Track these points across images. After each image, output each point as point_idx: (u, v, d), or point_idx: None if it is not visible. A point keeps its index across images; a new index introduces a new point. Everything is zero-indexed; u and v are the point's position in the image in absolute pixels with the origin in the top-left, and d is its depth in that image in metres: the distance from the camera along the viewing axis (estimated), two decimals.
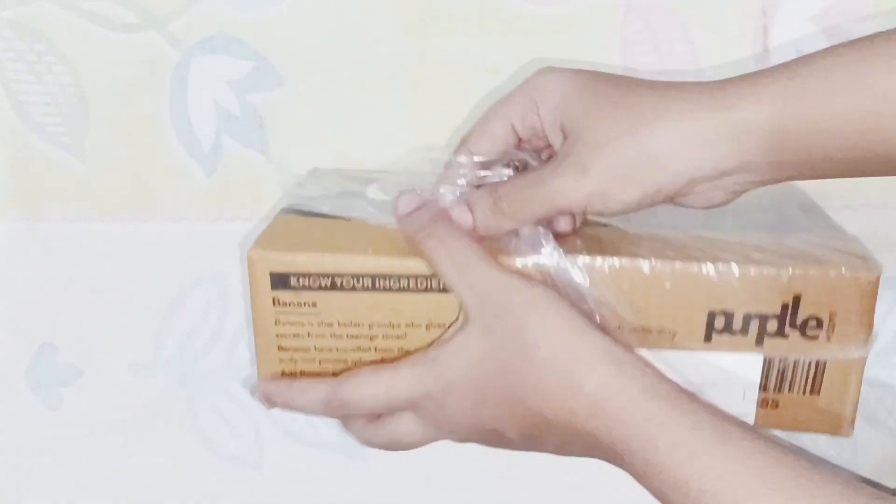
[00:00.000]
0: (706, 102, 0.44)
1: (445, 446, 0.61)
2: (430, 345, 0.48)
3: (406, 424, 0.48)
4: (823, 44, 0.56)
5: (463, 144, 0.50)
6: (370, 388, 0.47)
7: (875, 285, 0.46)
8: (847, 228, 0.57)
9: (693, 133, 0.43)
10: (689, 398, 0.43)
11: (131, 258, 0.58)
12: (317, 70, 0.57)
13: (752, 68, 0.56)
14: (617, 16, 0.57)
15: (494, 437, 0.47)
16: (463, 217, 0.48)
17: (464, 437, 0.48)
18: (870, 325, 0.47)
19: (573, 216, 0.49)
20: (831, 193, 0.58)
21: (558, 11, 0.57)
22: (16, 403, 0.60)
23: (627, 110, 0.45)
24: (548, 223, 0.48)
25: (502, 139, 0.50)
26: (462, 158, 0.50)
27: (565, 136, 0.47)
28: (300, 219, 0.51)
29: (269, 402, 0.49)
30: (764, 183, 0.45)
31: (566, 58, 0.57)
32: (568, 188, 0.45)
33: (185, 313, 0.59)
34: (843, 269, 0.47)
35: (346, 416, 0.49)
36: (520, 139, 0.50)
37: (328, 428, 0.61)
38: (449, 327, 0.48)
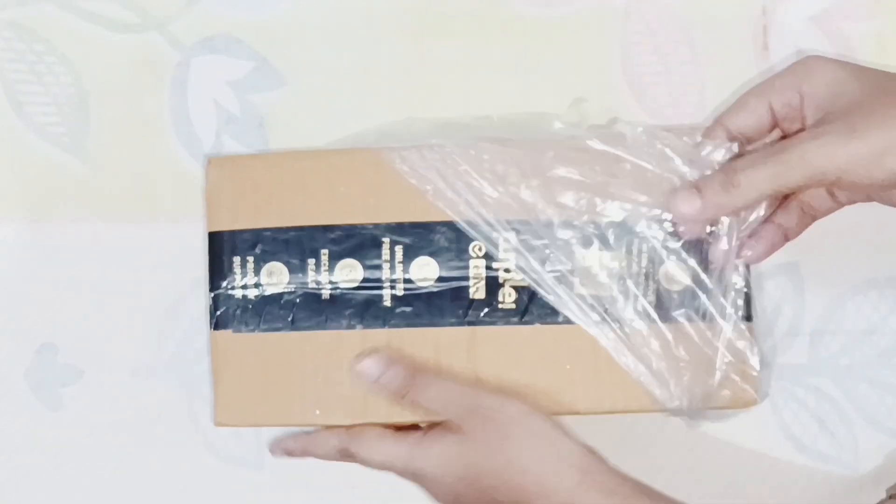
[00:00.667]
0: None
1: None
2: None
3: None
4: (824, 43, 0.57)
5: (718, 122, 0.51)
6: (373, 453, 0.52)
7: None
8: (847, 228, 0.57)
9: None
10: (649, 496, 0.48)
11: (132, 258, 0.58)
12: (317, 70, 0.57)
13: (752, 68, 0.57)
14: (617, 16, 0.57)
15: None
16: (689, 200, 0.49)
17: None
18: None
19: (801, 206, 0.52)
20: None
21: (558, 12, 0.57)
22: (16, 403, 0.60)
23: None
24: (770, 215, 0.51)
25: (758, 115, 0.50)
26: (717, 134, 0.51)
27: (827, 115, 0.47)
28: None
29: (289, 454, 0.55)
30: None
31: (566, 58, 0.57)
32: (830, 149, 0.45)
33: (186, 314, 0.59)
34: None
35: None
36: (775, 120, 0.50)
37: None
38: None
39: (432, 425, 0.52)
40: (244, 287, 0.54)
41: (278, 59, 0.57)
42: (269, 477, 0.61)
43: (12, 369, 0.59)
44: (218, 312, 0.54)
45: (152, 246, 0.58)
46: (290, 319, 0.53)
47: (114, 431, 0.60)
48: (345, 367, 0.53)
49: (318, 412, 0.53)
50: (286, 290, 0.53)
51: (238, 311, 0.54)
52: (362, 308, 0.53)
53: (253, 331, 0.54)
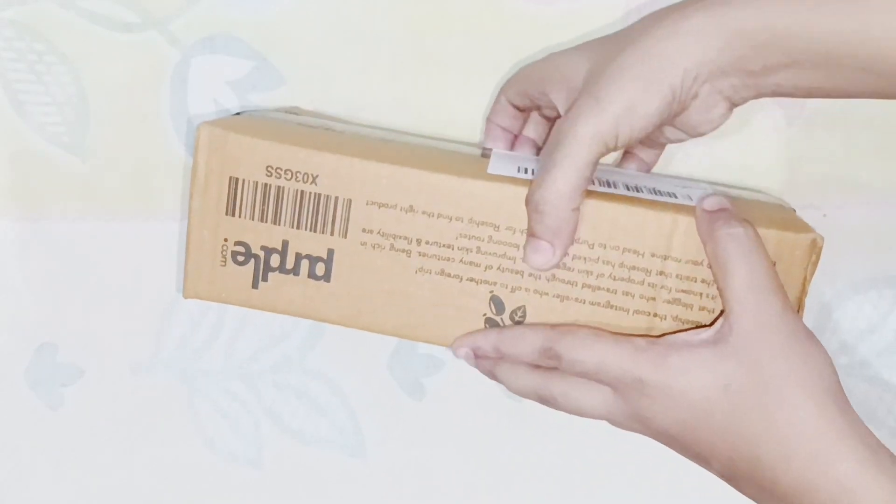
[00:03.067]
0: (699, 5, 0.43)
1: (445, 445, 0.61)
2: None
3: (597, 397, 0.46)
4: None
5: (489, 122, 0.53)
6: (586, 353, 0.45)
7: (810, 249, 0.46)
8: (847, 228, 0.57)
9: (688, 30, 0.43)
10: None
11: (131, 257, 0.58)
12: (317, 70, 0.57)
13: None
14: (617, 16, 0.57)
15: (692, 454, 0.45)
16: (538, 251, 0.46)
17: (655, 436, 0.46)
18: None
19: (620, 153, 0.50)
20: (831, 191, 0.58)
21: (558, 11, 0.57)
22: (16, 403, 0.60)
23: (625, 34, 0.46)
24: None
25: (513, 114, 0.52)
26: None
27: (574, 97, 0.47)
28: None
29: (478, 352, 0.48)
30: (759, 94, 0.45)
31: None
32: (590, 123, 0.44)
33: (185, 312, 0.59)
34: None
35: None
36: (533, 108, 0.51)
37: (328, 427, 0.61)
38: (697, 327, 0.46)
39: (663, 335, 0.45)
40: None
41: (278, 58, 0.57)
42: (268, 475, 0.61)
43: (12, 369, 0.59)
44: None
45: (152, 244, 0.58)
46: None
47: (114, 430, 0.60)
48: None
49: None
50: None
51: None
52: None
53: None
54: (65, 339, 0.59)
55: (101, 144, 0.57)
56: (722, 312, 0.44)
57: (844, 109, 0.57)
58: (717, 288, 0.44)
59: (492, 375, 0.49)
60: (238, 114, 0.51)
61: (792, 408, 0.42)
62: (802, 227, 0.47)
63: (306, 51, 0.57)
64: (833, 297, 0.59)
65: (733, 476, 0.44)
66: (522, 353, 0.47)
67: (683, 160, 0.58)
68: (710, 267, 0.45)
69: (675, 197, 0.47)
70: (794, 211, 0.50)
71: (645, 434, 0.46)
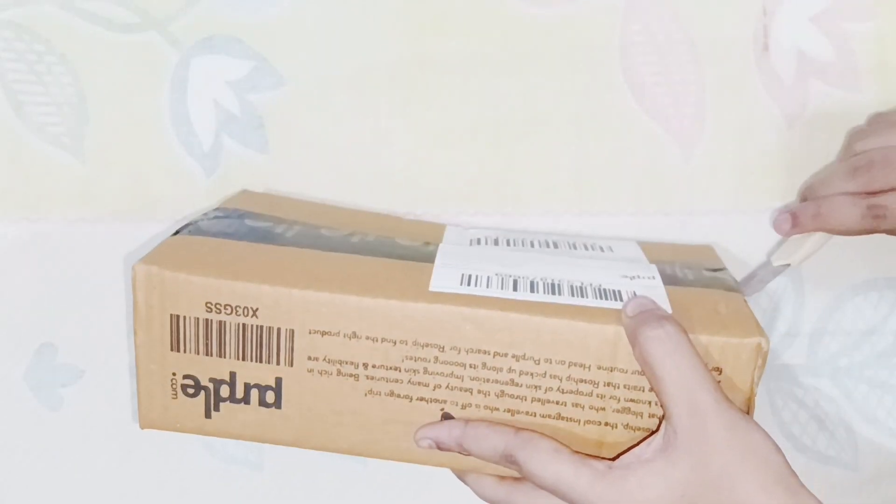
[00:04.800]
0: None
1: None
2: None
3: None
4: (824, 44, 0.57)
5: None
6: (543, 469, 0.45)
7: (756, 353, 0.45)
8: None
9: None
10: None
11: (131, 258, 0.58)
12: (317, 70, 0.57)
13: (752, 68, 0.57)
14: (617, 16, 0.57)
15: None
16: (781, 223, 0.53)
17: None
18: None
19: None
20: None
21: (558, 12, 0.57)
22: (16, 403, 0.60)
23: None
24: None
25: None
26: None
27: None
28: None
29: (440, 445, 0.48)
30: None
31: (566, 57, 0.57)
32: None
33: None
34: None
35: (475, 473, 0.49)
36: None
37: None
38: (644, 437, 0.45)
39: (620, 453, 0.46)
40: None
41: (278, 59, 0.57)
42: (268, 477, 0.61)
43: (12, 369, 0.59)
44: None
45: (152, 245, 0.58)
46: None
47: (114, 431, 0.60)
48: None
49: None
50: None
51: None
52: None
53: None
54: (65, 339, 0.59)
55: (100, 145, 0.57)
56: (663, 417, 0.44)
57: (845, 110, 0.57)
58: (654, 391, 0.44)
59: (461, 478, 0.50)
60: (177, 232, 0.50)
61: (744, 501, 0.42)
62: (748, 327, 0.46)
63: (306, 51, 0.57)
64: (833, 299, 0.59)
65: None
66: (483, 453, 0.46)
67: (684, 161, 0.58)
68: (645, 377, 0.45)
69: (620, 299, 0.47)
70: (744, 301, 0.49)
71: None
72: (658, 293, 0.47)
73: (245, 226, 0.52)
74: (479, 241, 0.54)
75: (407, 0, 0.56)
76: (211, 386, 0.48)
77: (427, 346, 0.46)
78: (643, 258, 0.53)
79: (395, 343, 0.46)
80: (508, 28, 0.57)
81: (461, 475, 0.50)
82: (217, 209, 0.54)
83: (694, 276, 0.51)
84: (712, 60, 0.57)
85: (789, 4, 0.56)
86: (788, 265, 0.55)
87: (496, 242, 0.54)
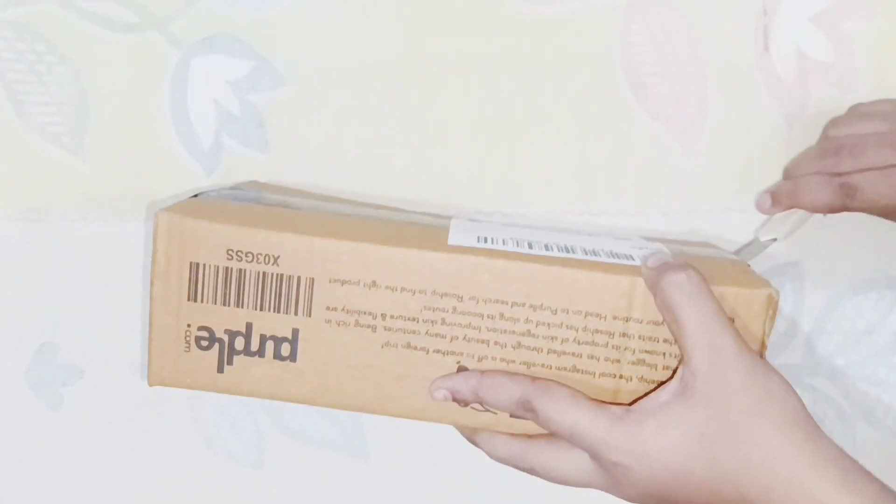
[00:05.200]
0: None
1: (446, 444, 0.61)
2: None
3: (577, 465, 0.46)
4: (824, 44, 0.57)
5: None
6: (561, 415, 0.45)
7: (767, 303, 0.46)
8: (847, 229, 0.58)
9: None
10: None
11: (131, 258, 0.58)
12: (317, 70, 0.57)
13: (752, 68, 0.57)
14: (617, 16, 0.57)
15: None
16: (762, 201, 0.56)
17: (637, 500, 0.46)
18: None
19: None
20: None
21: (558, 11, 0.57)
22: (16, 403, 0.60)
23: None
24: None
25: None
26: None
27: None
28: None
29: (456, 395, 0.47)
30: None
31: (566, 57, 0.57)
32: None
33: None
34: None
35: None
36: None
37: (329, 427, 0.61)
38: (659, 385, 0.46)
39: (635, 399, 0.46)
40: None
41: (278, 58, 0.57)
42: (268, 475, 0.61)
43: (12, 369, 0.59)
44: None
45: (152, 245, 0.58)
46: None
47: (114, 430, 0.60)
48: None
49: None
50: None
51: None
52: None
53: None
54: (65, 339, 0.59)
55: (100, 145, 0.57)
56: (681, 361, 0.44)
57: (845, 110, 0.57)
58: (673, 336, 0.45)
59: (471, 440, 0.50)
60: (196, 196, 0.51)
61: (763, 443, 0.42)
62: (758, 282, 0.47)
63: (306, 51, 0.57)
64: (833, 298, 0.59)
65: None
66: (500, 402, 0.46)
67: (685, 160, 0.58)
68: (665, 323, 0.46)
69: (633, 259, 0.47)
70: (748, 265, 0.50)
71: (626, 498, 0.46)
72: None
73: (260, 198, 0.52)
74: (486, 241, 0.54)
75: (407, 0, 0.56)
76: (226, 338, 0.48)
77: (445, 295, 0.46)
78: (648, 242, 0.54)
79: (413, 293, 0.46)
80: (509, 27, 0.57)
81: (472, 436, 0.49)
82: (231, 186, 0.54)
83: (699, 251, 0.53)
84: (713, 60, 0.57)
85: (789, 4, 0.57)
86: (775, 240, 0.56)
87: (503, 242, 0.54)
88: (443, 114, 0.57)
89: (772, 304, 0.45)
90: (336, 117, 0.57)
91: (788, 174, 0.57)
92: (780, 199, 0.56)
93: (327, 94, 0.57)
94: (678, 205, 0.58)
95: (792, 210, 0.55)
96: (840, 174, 0.53)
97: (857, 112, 0.56)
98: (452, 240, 0.48)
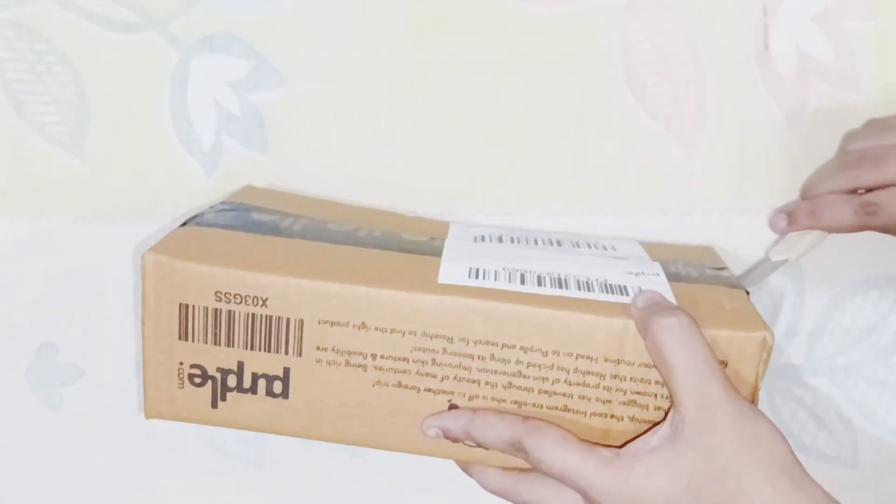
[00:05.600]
0: None
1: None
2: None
3: (565, 499, 0.46)
4: (824, 43, 0.57)
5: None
6: (551, 457, 0.45)
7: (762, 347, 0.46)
8: None
9: None
10: None
11: (131, 257, 0.58)
12: (317, 70, 0.57)
13: (752, 68, 0.57)
14: (617, 16, 0.57)
15: None
16: (777, 221, 0.55)
17: None
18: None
19: None
20: None
21: (558, 11, 0.57)
22: (16, 403, 0.60)
23: None
24: None
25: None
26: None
27: None
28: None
29: (447, 433, 0.47)
30: None
31: (566, 57, 0.57)
32: None
33: None
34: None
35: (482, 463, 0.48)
36: None
37: None
38: (651, 426, 0.46)
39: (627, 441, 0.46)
40: None
41: (278, 58, 0.57)
42: (269, 474, 0.61)
43: (12, 369, 0.59)
44: None
45: (152, 244, 0.58)
46: None
47: (114, 430, 0.60)
48: None
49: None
50: None
51: None
52: None
53: None
54: (65, 339, 0.59)
55: (100, 145, 0.57)
56: (671, 405, 0.44)
57: (845, 110, 0.57)
58: (662, 380, 0.45)
59: (465, 470, 0.50)
60: (185, 223, 0.50)
61: (750, 492, 0.42)
62: (753, 322, 0.46)
63: (306, 51, 0.57)
64: (833, 298, 0.59)
65: None
66: (490, 441, 0.46)
67: (685, 160, 0.58)
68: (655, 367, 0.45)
69: (627, 294, 0.47)
70: (747, 295, 0.49)
71: None
72: (663, 289, 0.48)
73: (251, 219, 0.52)
74: (483, 238, 0.54)
75: (407, 0, 0.56)
76: (218, 375, 0.48)
77: (435, 337, 0.46)
78: (646, 256, 0.53)
79: (403, 334, 0.46)
80: (509, 28, 0.57)
81: (466, 468, 0.50)
82: (223, 203, 0.54)
83: (697, 273, 0.51)
84: (713, 60, 0.57)
85: (789, 4, 0.57)
86: (786, 261, 0.55)
87: (500, 240, 0.54)
88: (443, 113, 0.57)
89: (765, 349, 0.45)
90: (336, 117, 0.57)
91: (807, 193, 0.56)
92: (797, 218, 0.55)
93: (327, 94, 0.57)
94: (678, 204, 0.58)
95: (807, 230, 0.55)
96: (861, 193, 0.53)
97: (878, 124, 0.55)
98: (443, 276, 0.48)
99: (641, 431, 0.46)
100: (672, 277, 0.50)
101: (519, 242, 0.54)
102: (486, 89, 0.57)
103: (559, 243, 0.54)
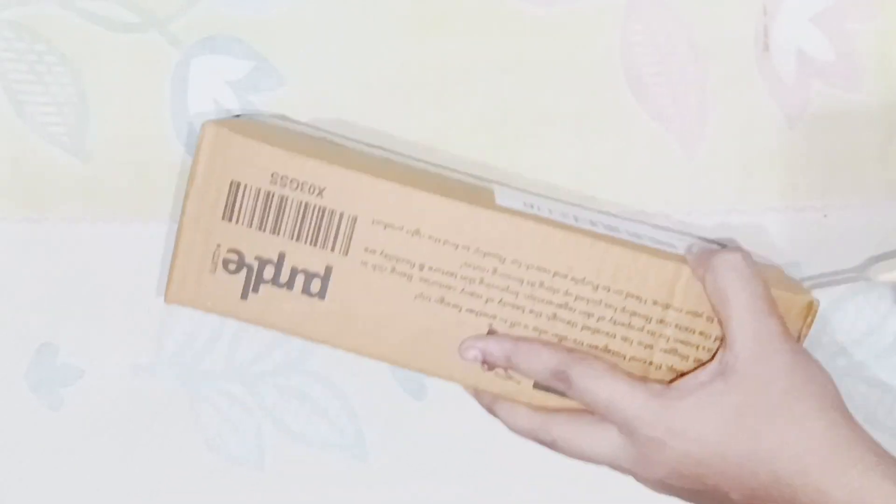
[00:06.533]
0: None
1: (447, 445, 0.61)
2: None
3: (601, 439, 0.46)
4: (824, 44, 0.57)
5: None
6: (599, 386, 0.44)
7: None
8: (847, 228, 0.57)
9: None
10: None
11: (132, 258, 0.58)
12: (317, 70, 0.57)
13: (752, 68, 0.57)
14: (617, 16, 0.57)
15: (709, 489, 0.45)
16: None
17: (666, 482, 0.46)
18: None
19: None
20: (832, 192, 0.58)
21: (558, 11, 0.57)
22: (16, 403, 0.60)
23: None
24: None
25: None
26: None
27: None
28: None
29: (487, 357, 0.46)
30: None
31: (566, 57, 0.57)
32: None
33: (186, 313, 0.59)
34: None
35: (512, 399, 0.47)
36: None
37: (329, 428, 0.61)
38: (701, 365, 0.45)
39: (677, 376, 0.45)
40: None
41: (278, 58, 0.57)
42: (269, 477, 0.61)
43: (12, 369, 0.59)
44: None
45: (153, 245, 0.58)
46: None
47: (114, 431, 0.60)
48: None
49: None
50: None
51: None
52: None
53: None
54: (65, 339, 0.59)
55: (101, 145, 0.57)
56: (721, 345, 0.44)
57: (845, 110, 0.57)
58: (717, 314, 0.45)
59: (490, 410, 0.49)
60: (238, 116, 0.49)
61: (803, 423, 0.42)
62: (798, 288, 0.47)
63: (306, 51, 0.57)
64: (833, 299, 0.59)
65: (752, 501, 0.44)
66: (533, 369, 0.45)
67: (686, 161, 0.58)
68: (710, 304, 0.45)
69: (675, 248, 0.47)
70: (783, 270, 0.50)
71: (647, 478, 0.46)
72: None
73: (303, 128, 0.50)
74: (531, 206, 0.53)
75: (408, 0, 0.56)
76: (255, 264, 0.46)
77: (488, 255, 0.45)
78: (686, 235, 0.53)
79: (456, 247, 0.45)
80: (509, 27, 0.57)
81: (491, 406, 0.48)
82: (274, 115, 0.52)
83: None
84: (713, 60, 0.57)
85: (790, 4, 0.57)
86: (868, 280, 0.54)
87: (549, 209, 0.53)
88: (443, 114, 0.57)
89: (811, 312, 0.46)
90: (336, 117, 0.57)
91: None
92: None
93: (327, 94, 0.57)
94: (679, 205, 0.58)
95: None
96: None
97: None
98: (500, 200, 0.47)
99: (688, 371, 0.46)
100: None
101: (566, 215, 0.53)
102: (487, 89, 0.57)
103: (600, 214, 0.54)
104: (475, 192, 0.48)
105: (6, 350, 0.59)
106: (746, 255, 0.44)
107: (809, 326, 0.46)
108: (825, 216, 0.56)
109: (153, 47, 0.56)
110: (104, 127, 0.57)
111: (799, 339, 0.46)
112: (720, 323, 0.44)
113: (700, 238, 0.55)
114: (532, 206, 0.47)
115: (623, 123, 0.57)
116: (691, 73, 0.57)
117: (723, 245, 0.55)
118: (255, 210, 0.45)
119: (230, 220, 0.45)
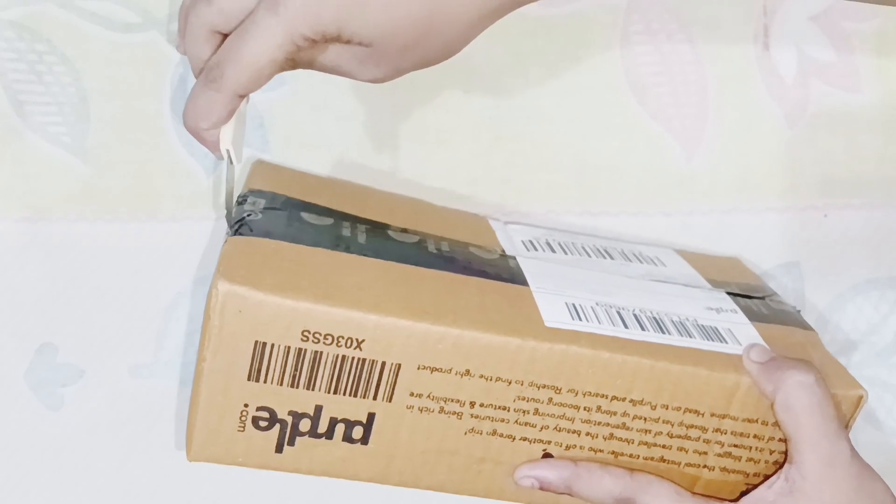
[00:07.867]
0: None
1: None
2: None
3: None
4: (824, 44, 0.57)
5: None
6: None
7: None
8: (848, 229, 0.57)
9: None
10: None
11: (132, 258, 0.58)
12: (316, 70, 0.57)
13: (753, 68, 0.57)
14: (617, 16, 0.57)
15: None
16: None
17: None
18: None
19: None
20: (832, 192, 0.58)
21: (558, 11, 0.57)
22: (16, 403, 0.59)
23: None
24: None
25: None
26: None
27: None
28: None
29: (545, 485, 0.45)
30: None
31: (567, 57, 0.57)
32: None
33: (186, 313, 0.59)
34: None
35: None
36: None
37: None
38: (764, 479, 0.45)
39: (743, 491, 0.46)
40: None
41: None
42: (269, 477, 0.61)
43: (12, 369, 0.59)
44: None
45: (153, 245, 0.58)
46: None
47: (114, 431, 0.60)
48: None
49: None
50: None
51: None
52: None
53: None
54: (65, 339, 0.59)
55: (101, 145, 0.57)
56: (785, 458, 0.45)
57: (845, 110, 0.57)
58: (785, 433, 0.44)
59: None
60: (236, 231, 0.44)
61: None
62: (844, 376, 0.46)
63: None
64: (834, 299, 0.59)
65: None
66: (594, 496, 0.45)
67: (686, 160, 0.58)
68: (776, 418, 0.45)
69: (723, 339, 0.46)
70: (818, 338, 0.50)
71: None
72: (749, 332, 0.47)
73: (307, 224, 0.47)
74: (533, 246, 0.53)
75: None
76: (289, 420, 0.42)
77: (543, 387, 0.43)
78: (703, 280, 0.53)
79: (510, 383, 0.43)
80: (510, 27, 0.56)
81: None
82: (252, 193, 0.49)
83: (766, 309, 0.51)
84: (713, 60, 0.57)
85: (790, 4, 0.57)
86: None
87: (551, 248, 0.53)
88: (443, 114, 0.57)
89: (860, 406, 0.46)
90: (336, 118, 0.57)
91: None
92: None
93: (327, 94, 0.57)
94: (679, 205, 0.58)
95: None
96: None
97: None
98: (547, 317, 0.44)
99: (730, 481, 0.46)
100: (746, 313, 0.49)
101: (571, 252, 0.53)
102: (487, 89, 0.57)
103: (609, 254, 0.53)
104: (516, 304, 0.45)
105: (6, 350, 0.59)
106: (818, 374, 0.44)
107: (855, 418, 0.46)
108: (825, 216, 0.56)
109: (153, 47, 0.56)
110: (104, 127, 0.57)
111: (847, 427, 0.46)
112: (787, 439, 0.44)
113: (689, 260, 0.54)
114: (578, 314, 0.45)
115: (623, 123, 0.57)
116: (692, 73, 0.57)
117: (717, 259, 0.54)
118: (285, 368, 0.41)
119: (257, 380, 0.41)
